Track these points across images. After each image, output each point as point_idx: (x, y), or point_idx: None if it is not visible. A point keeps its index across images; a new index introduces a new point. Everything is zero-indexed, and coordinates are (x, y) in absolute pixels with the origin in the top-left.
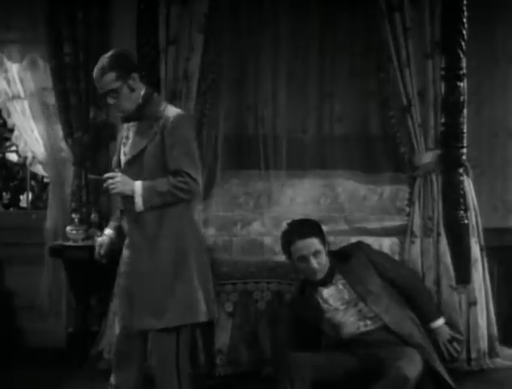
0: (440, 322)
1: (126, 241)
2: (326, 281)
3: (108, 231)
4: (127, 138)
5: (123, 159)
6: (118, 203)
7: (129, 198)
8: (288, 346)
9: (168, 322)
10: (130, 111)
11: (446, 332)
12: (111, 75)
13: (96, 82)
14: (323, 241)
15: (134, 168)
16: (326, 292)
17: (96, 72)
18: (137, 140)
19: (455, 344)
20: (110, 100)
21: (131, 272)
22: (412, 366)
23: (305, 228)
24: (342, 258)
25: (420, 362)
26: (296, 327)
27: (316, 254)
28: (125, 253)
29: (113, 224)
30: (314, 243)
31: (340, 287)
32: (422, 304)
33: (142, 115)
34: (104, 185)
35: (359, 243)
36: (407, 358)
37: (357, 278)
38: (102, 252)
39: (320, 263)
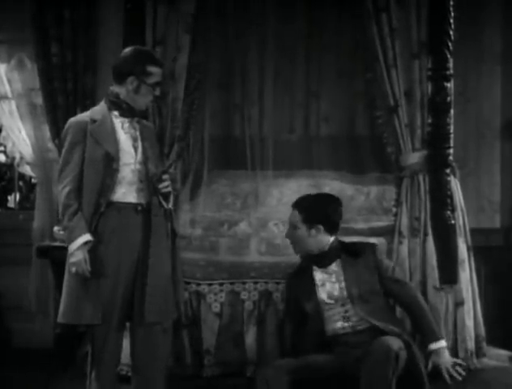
0: (441, 344)
1: (130, 234)
2: (323, 263)
3: (84, 237)
4: (127, 131)
5: (130, 151)
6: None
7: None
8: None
9: (171, 316)
10: None
11: (448, 356)
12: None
13: (161, 70)
14: (308, 220)
15: (148, 165)
16: (319, 279)
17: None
18: (149, 141)
19: (459, 368)
20: (158, 91)
21: (148, 262)
22: (394, 340)
23: (301, 200)
24: (350, 252)
25: (401, 343)
26: (289, 307)
27: (292, 226)
28: (133, 244)
29: (83, 224)
30: (295, 216)
31: (333, 279)
32: (424, 323)
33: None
34: (163, 184)
35: (373, 245)
36: (388, 336)
37: (355, 278)
38: (89, 268)
39: (292, 237)
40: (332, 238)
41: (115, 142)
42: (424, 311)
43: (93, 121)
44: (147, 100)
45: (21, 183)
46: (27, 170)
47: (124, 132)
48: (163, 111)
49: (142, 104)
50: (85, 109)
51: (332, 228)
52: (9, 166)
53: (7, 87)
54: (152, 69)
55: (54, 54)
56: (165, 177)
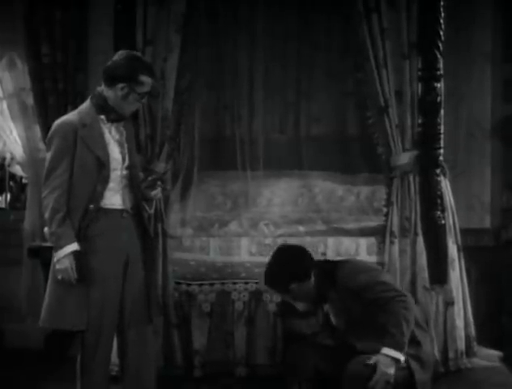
0: (398, 355)
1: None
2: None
3: (72, 246)
4: (114, 137)
5: (118, 158)
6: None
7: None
8: None
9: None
10: None
11: (388, 372)
12: None
13: (152, 79)
14: (281, 292)
15: (135, 170)
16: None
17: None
18: (131, 142)
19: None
20: (145, 100)
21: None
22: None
23: (266, 277)
24: (328, 282)
25: None
26: None
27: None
28: (121, 247)
29: (71, 232)
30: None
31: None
32: (392, 328)
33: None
34: (155, 192)
35: (341, 265)
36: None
37: (339, 309)
38: (76, 275)
39: (297, 304)
40: (312, 279)
41: (104, 148)
42: (393, 316)
43: (83, 125)
44: (134, 107)
45: (12, 183)
46: (17, 170)
47: (112, 138)
48: (153, 111)
49: (127, 111)
50: (75, 109)
51: (305, 276)
52: (0, 166)
53: None
54: (144, 78)
55: (45, 54)
56: (159, 183)
